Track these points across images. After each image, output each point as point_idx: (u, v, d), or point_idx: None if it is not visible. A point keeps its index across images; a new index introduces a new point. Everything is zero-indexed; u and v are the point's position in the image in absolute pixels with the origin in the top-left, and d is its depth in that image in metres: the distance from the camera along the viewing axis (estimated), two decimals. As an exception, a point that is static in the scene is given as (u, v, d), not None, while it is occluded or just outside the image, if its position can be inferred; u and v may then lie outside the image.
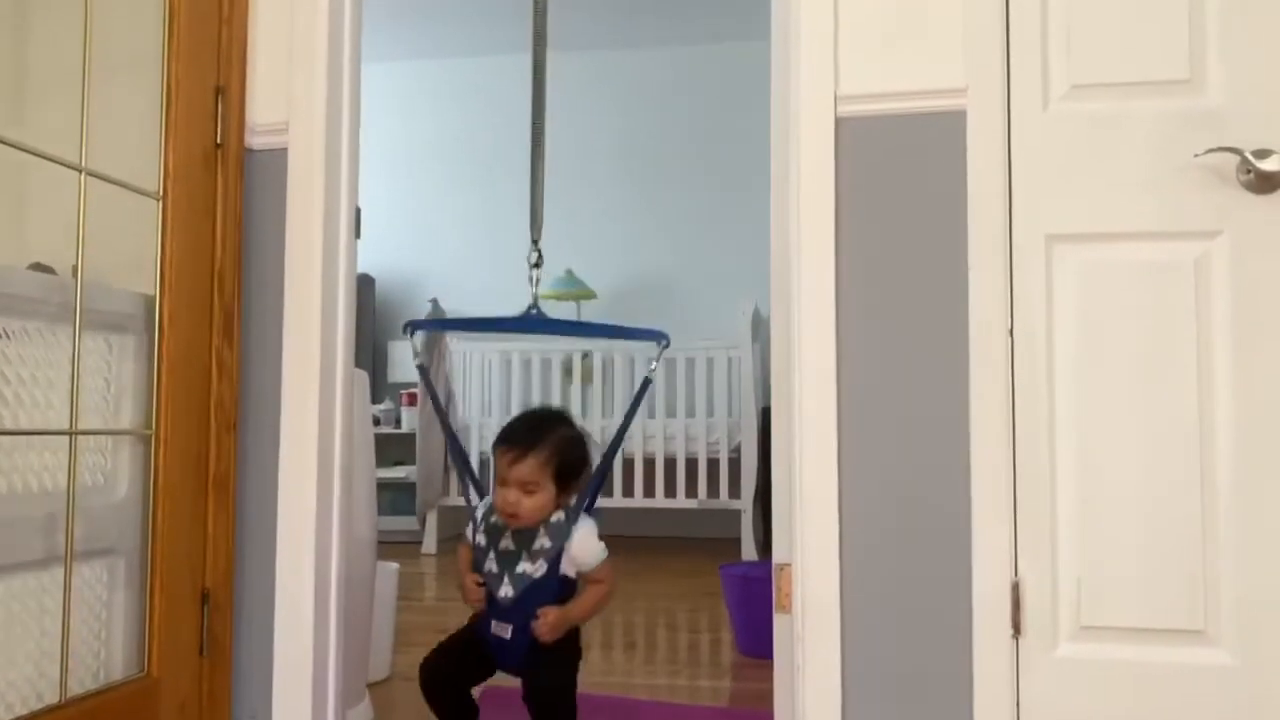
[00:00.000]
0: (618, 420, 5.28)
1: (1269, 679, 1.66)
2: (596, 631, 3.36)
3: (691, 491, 5.08)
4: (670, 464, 5.09)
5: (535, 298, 2.21)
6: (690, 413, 5.25)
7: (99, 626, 1.76)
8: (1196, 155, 1.69)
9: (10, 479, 1.59)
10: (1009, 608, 1.73)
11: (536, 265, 2.20)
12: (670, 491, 5.09)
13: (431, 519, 5.12)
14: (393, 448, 5.39)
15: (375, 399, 5.41)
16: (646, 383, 2.14)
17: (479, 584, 1.94)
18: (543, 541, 1.90)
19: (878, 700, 1.77)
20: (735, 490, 5.01)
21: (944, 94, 1.81)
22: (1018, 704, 1.72)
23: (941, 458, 1.78)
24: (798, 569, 1.82)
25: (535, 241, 2.22)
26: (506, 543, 1.93)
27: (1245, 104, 1.70)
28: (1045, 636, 1.72)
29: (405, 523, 5.15)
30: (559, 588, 1.91)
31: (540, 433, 1.95)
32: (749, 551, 4.82)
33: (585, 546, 1.92)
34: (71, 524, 1.64)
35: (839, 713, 1.77)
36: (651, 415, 5.22)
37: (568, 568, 1.91)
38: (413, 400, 5.45)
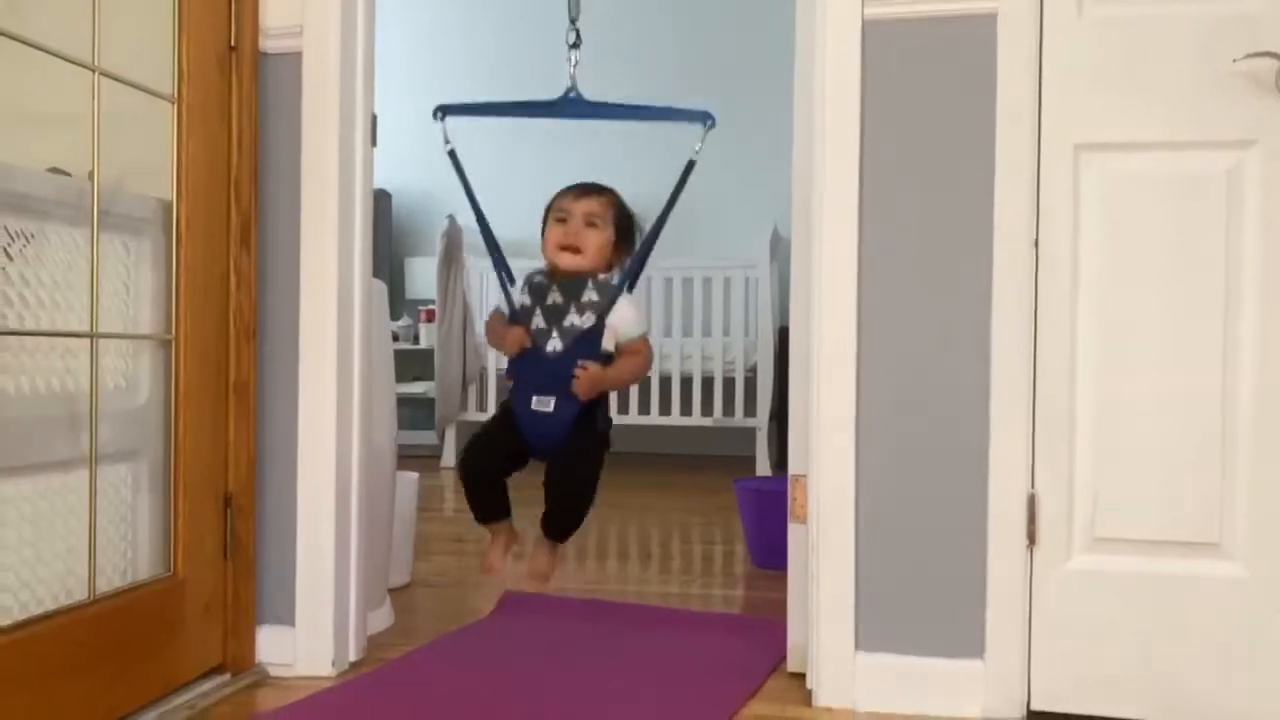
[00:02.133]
0: (656, 339, 5.30)
1: (1282, 591, 1.66)
2: (613, 540, 3.41)
3: (707, 409, 5.10)
4: (686, 382, 5.11)
5: (573, 79, 2.15)
6: (707, 332, 5.24)
7: (125, 528, 1.80)
8: (1235, 61, 1.64)
9: (34, 380, 1.61)
10: (1024, 519, 1.74)
11: (575, 46, 2.13)
12: (686, 409, 5.11)
13: (450, 433, 5.17)
14: (411, 364, 5.42)
15: (393, 315, 5.40)
16: (690, 164, 2.11)
17: (525, 332, 1.94)
18: (590, 295, 1.91)
19: (891, 609, 1.79)
20: (751, 409, 5.03)
21: (975, -4, 1.75)
22: (1030, 613, 1.74)
23: (961, 371, 1.77)
24: (813, 479, 1.83)
25: (574, 21, 2.15)
26: (554, 297, 1.93)
27: (1287, 7, 1.65)
28: (1059, 548, 1.73)
29: (424, 437, 5.21)
30: (596, 347, 1.92)
31: (602, 187, 2.00)
32: (764, 469, 4.86)
33: (626, 315, 1.93)
34: (95, 425, 1.66)
35: (852, 620, 1.80)
36: (668, 334, 5.22)
37: (608, 340, 1.92)
38: (431, 317, 5.46)
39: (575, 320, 1.87)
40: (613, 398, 5.26)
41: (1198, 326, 1.69)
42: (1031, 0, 1.73)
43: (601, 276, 1.92)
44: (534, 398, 1.89)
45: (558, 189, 2.07)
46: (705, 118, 2.03)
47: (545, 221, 2.00)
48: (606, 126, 5.61)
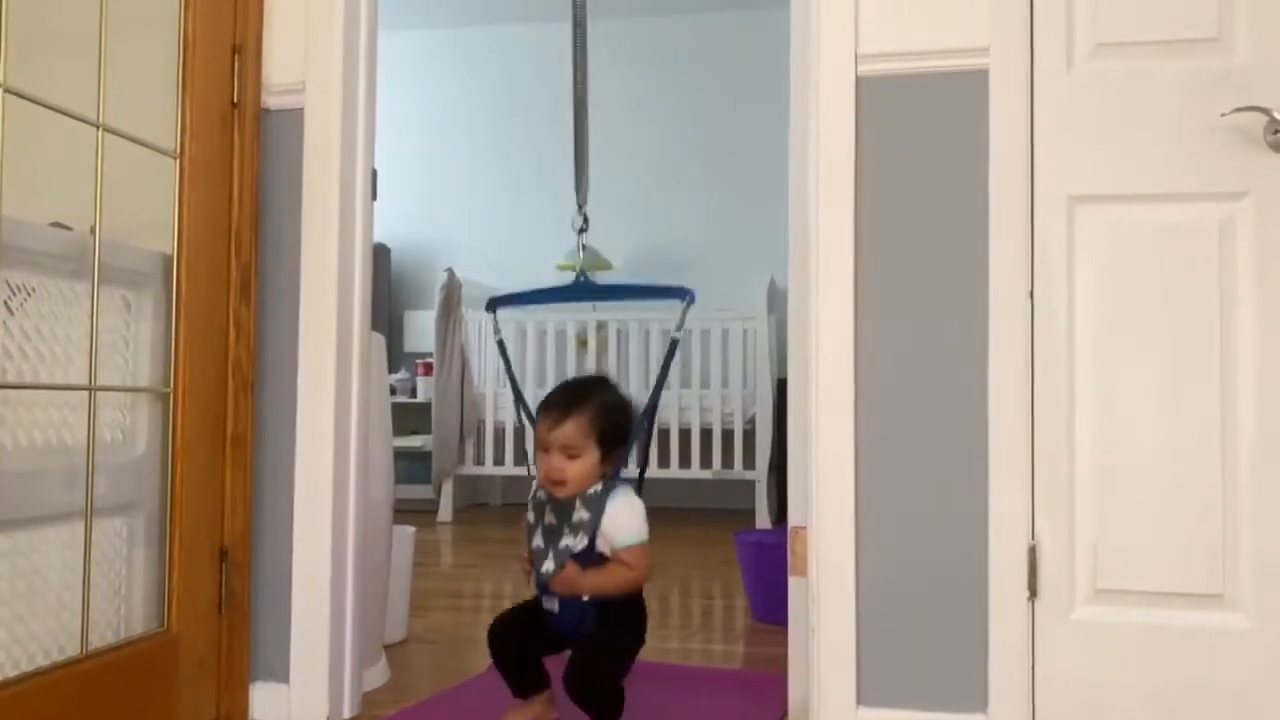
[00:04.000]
0: (634, 392, 5.29)
1: (1287, 643, 1.65)
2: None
3: (706, 462, 5.09)
4: (685, 434, 5.10)
5: (581, 264, 2.18)
6: (705, 384, 5.24)
7: (119, 581, 1.78)
8: (1223, 115, 1.66)
9: (31, 434, 1.60)
10: (1025, 571, 1.73)
11: (582, 230, 2.16)
12: (685, 462, 5.09)
13: (447, 487, 5.15)
14: (409, 417, 5.41)
15: (391, 369, 5.41)
16: (674, 343, 2.08)
17: (527, 557, 1.91)
18: (580, 514, 1.84)
19: (892, 662, 1.77)
20: (750, 461, 5.01)
21: (966, 53, 1.79)
22: (1033, 666, 1.72)
23: (959, 422, 1.77)
24: (813, 532, 1.82)
25: (581, 206, 2.18)
26: (550, 517, 1.87)
27: (1274, 63, 1.68)
28: (1061, 599, 1.72)
29: (421, 491, 5.18)
30: (599, 563, 1.83)
31: (581, 396, 1.89)
32: (763, 522, 4.83)
33: (616, 521, 1.83)
34: (91, 479, 1.65)
35: (853, 675, 1.78)
36: (667, 386, 5.21)
37: (602, 544, 1.83)
38: (429, 370, 5.47)
39: (569, 541, 1.83)
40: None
41: (1195, 376, 1.70)
42: (1022, 56, 1.76)
43: (591, 491, 1.84)
44: (543, 598, 1.89)
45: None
46: (684, 294, 2.06)
47: (535, 428, 1.95)
48: (606, 185, 5.67)
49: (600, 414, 1.86)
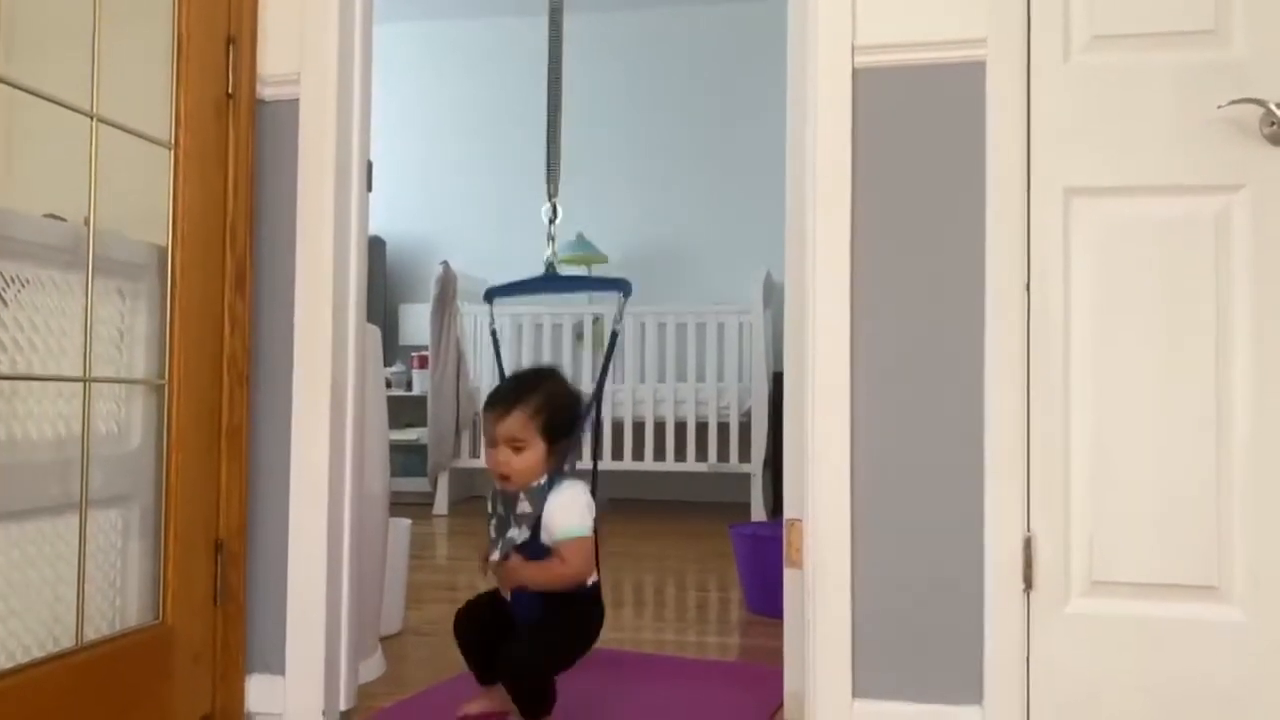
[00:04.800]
0: (629, 385, 5.31)
1: (1281, 635, 1.65)
2: (607, 588, 3.37)
3: (702, 455, 5.09)
4: (681, 428, 5.10)
5: (552, 255, 2.18)
6: (701, 377, 5.25)
7: (114, 574, 1.78)
8: (1220, 107, 1.66)
9: (25, 425, 1.60)
10: (1021, 563, 1.73)
11: (552, 221, 2.16)
12: (680, 455, 5.10)
13: (443, 481, 5.15)
14: (404, 410, 5.40)
15: (386, 362, 5.42)
16: (614, 335, 2.06)
17: (485, 547, 1.93)
18: (524, 506, 1.84)
19: (888, 654, 1.78)
20: (745, 455, 5.01)
21: (963, 44, 1.78)
22: (1028, 658, 1.72)
23: (955, 414, 1.77)
24: (809, 524, 1.82)
25: (551, 197, 2.18)
26: (500, 508, 1.88)
27: (1271, 55, 1.68)
28: (1057, 591, 1.72)
29: (417, 484, 5.18)
30: (545, 555, 1.83)
31: (525, 388, 1.89)
32: (759, 515, 4.84)
33: (557, 515, 1.81)
34: (86, 470, 1.65)
35: (849, 666, 1.78)
36: (662, 379, 5.23)
37: (546, 536, 1.83)
38: (424, 363, 5.46)
39: (514, 533, 1.85)
40: (608, 443, 5.26)
41: (1190, 368, 1.70)
42: (1019, 49, 1.76)
43: (536, 484, 1.83)
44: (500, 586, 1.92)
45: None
46: (622, 286, 2.06)
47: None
48: (603, 179, 5.66)
49: (545, 406, 1.85)
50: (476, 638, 1.92)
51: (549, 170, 2.20)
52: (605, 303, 5.46)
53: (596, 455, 2.04)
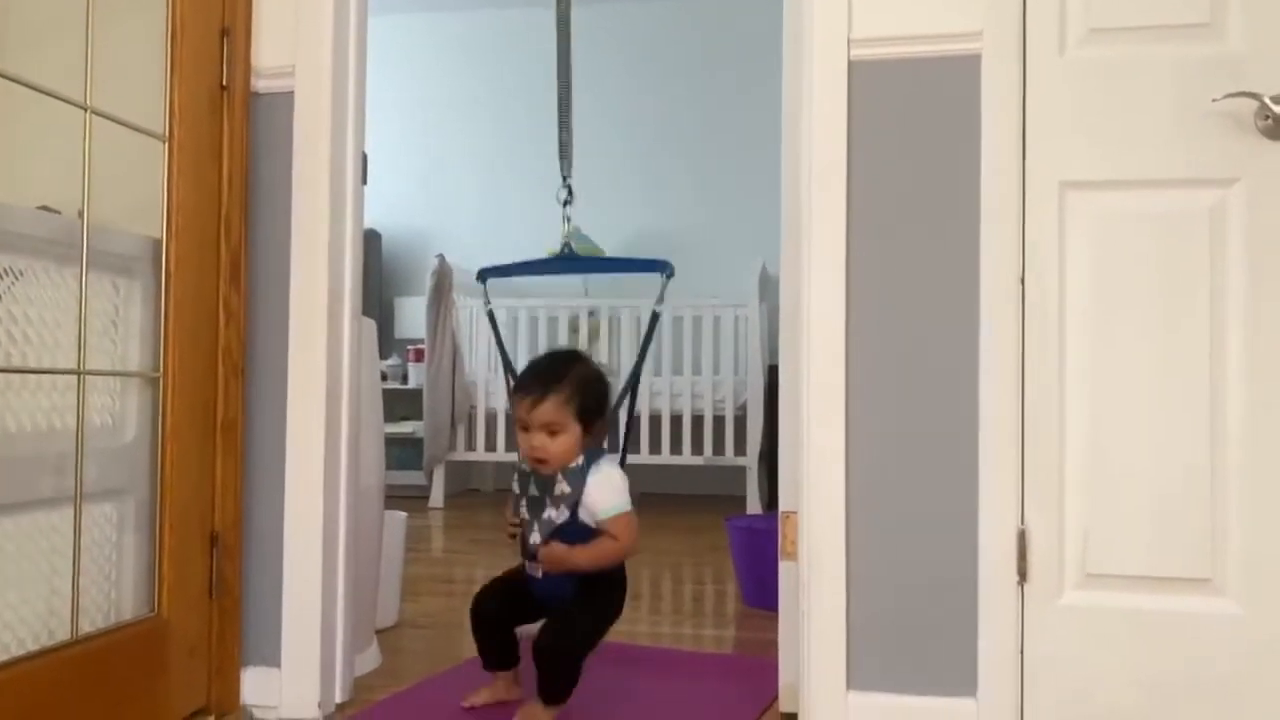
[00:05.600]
0: (623, 378, 5.29)
1: (1275, 627, 1.66)
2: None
3: (697, 448, 5.09)
4: (676, 421, 5.10)
5: (566, 236, 2.18)
6: (697, 370, 5.25)
7: (109, 567, 1.78)
8: (1215, 100, 1.66)
9: (20, 418, 1.59)
10: (1015, 555, 1.73)
11: (567, 203, 2.15)
12: (676, 448, 5.10)
13: (439, 474, 5.15)
14: (400, 403, 5.40)
15: (382, 355, 5.42)
16: (655, 316, 2.09)
17: (515, 524, 1.92)
18: (562, 487, 1.86)
19: (882, 647, 1.78)
20: (741, 448, 5.02)
21: (959, 38, 1.78)
22: (1022, 650, 1.73)
23: (950, 406, 1.78)
24: (804, 517, 1.83)
25: (565, 179, 2.17)
26: (533, 489, 1.89)
27: (1266, 48, 1.68)
28: (1050, 584, 1.73)
29: (412, 477, 5.18)
30: (585, 534, 1.86)
31: (558, 372, 1.89)
32: (754, 508, 4.84)
33: (597, 494, 1.85)
34: (81, 463, 1.64)
35: (843, 658, 1.78)
36: (658, 372, 5.23)
37: (586, 516, 1.85)
38: (419, 356, 5.46)
39: (551, 514, 1.85)
40: (607, 442, 5.22)
41: (1185, 361, 1.70)
42: (1014, 41, 1.75)
43: (573, 465, 1.85)
44: (527, 563, 1.90)
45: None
46: (664, 267, 2.07)
47: (513, 406, 1.95)
48: (598, 172, 5.65)
49: (579, 390, 1.87)
50: (495, 622, 1.91)
51: (562, 151, 2.18)
52: (603, 295, 5.46)
53: (628, 435, 2.02)
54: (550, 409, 1.84)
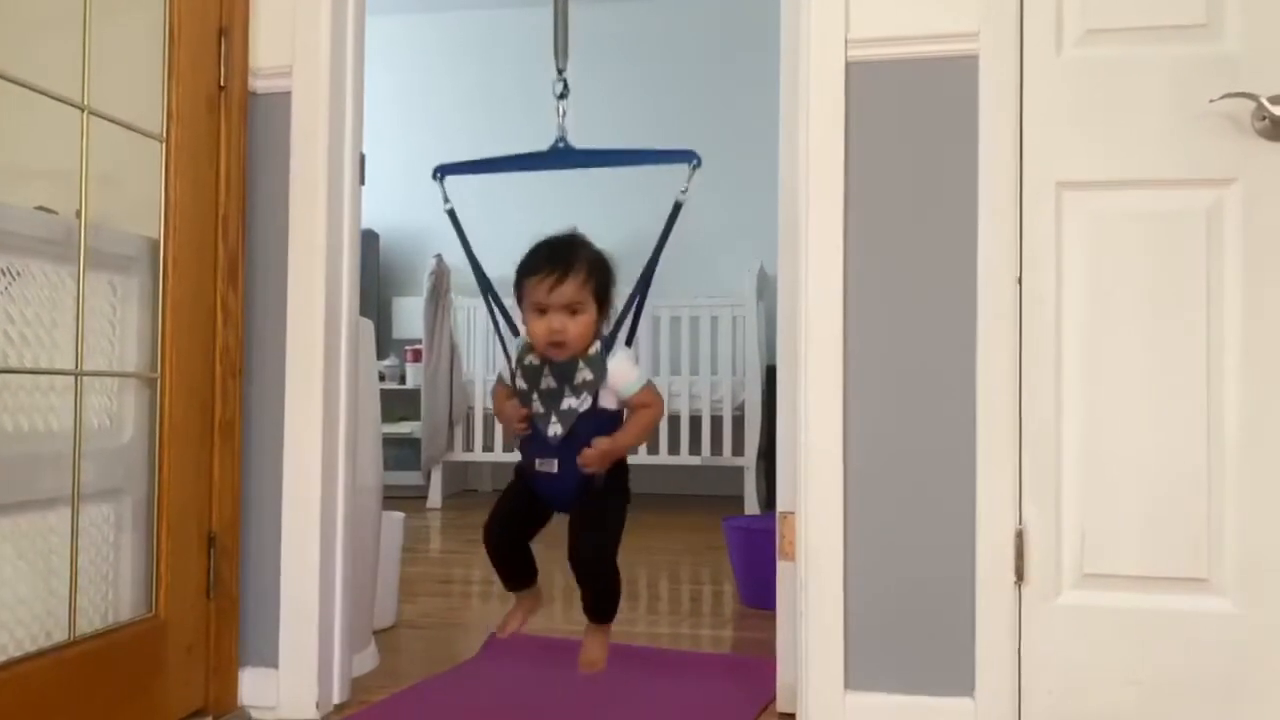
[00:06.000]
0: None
1: (1272, 627, 1.66)
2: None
3: (695, 448, 5.10)
4: (674, 421, 5.10)
5: (562, 128, 2.13)
6: (694, 370, 5.25)
7: (107, 567, 1.78)
8: (1212, 101, 1.67)
9: (17, 419, 1.59)
10: (1012, 555, 1.74)
11: (562, 96, 2.11)
12: (674, 448, 5.10)
13: (436, 474, 5.15)
14: (397, 404, 5.40)
15: (380, 355, 5.41)
16: (678, 205, 2.04)
17: (524, 417, 1.85)
18: (584, 374, 1.82)
19: (880, 646, 1.78)
20: (739, 448, 5.02)
21: (956, 38, 1.78)
22: (1019, 650, 1.73)
23: (948, 407, 1.78)
24: (802, 517, 1.83)
25: (561, 71, 2.13)
26: (548, 381, 1.84)
27: (1263, 49, 1.68)
28: (1048, 584, 1.73)
29: (410, 478, 5.18)
30: (604, 419, 1.83)
31: (572, 253, 1.86)
32: (752, 508, 4.84)
33: (620, 374, 1.83)
34: (78, 463, 1.64)
35: (841, 658, 1.78)
36: (656, 373, 5.23)
37: (607, 400, 1.83)
38: (417, 357, 5.46)
39: (572, 403, 1.81)
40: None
41: (1182, 361, 1.71)
42: (1011, 42, 1.76)
43: (592, 351, 1.82)
44: (537, 460, 1.87)
45: (535, 236, 1.97)
46: (691, 157, 2.02)
47: (520, 301, 1.92)
48: (596, 171, 5.67)
49: (592, 270, 1.85)
50: (510, 544, 1.89)
51: (556, 43, 2.13)
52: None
53: (638, 315, 1.95)
54: (571, 288, 1.81)
